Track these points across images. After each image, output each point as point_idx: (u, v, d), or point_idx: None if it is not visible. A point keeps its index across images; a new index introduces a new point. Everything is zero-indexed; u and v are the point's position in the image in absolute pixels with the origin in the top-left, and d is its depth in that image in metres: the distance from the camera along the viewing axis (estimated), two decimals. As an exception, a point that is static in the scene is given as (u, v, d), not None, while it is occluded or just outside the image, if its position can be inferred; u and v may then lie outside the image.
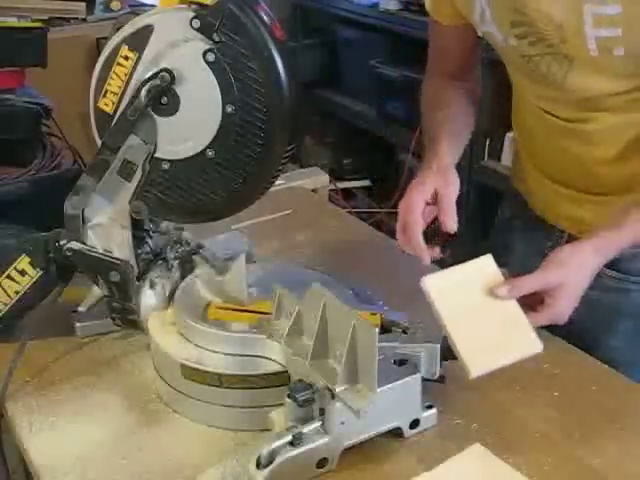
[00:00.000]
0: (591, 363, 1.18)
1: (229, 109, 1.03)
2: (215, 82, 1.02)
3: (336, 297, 0.97)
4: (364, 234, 1.61)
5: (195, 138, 1.05)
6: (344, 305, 0.96)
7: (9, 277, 1.17)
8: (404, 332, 1.05)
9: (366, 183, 3.57)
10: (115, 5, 2.28)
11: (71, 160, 1.54)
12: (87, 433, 1.05)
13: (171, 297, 1.15)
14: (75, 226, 1.13)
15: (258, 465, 0.91)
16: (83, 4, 1.61)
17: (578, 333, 1.28)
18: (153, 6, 1.09)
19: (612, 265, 1.21)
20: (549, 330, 1.24)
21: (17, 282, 1.18)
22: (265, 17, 1.03)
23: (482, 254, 1.05)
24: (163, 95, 1.04)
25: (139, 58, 1.04)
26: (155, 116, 1.05)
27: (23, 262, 1.17)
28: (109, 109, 1.07)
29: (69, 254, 1.13)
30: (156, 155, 1.07)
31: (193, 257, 1.21)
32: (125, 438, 1.04)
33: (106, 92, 1.07)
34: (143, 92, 1.03)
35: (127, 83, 1.05)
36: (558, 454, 0.99)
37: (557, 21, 1.11)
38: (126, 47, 1.04)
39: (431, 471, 0.96)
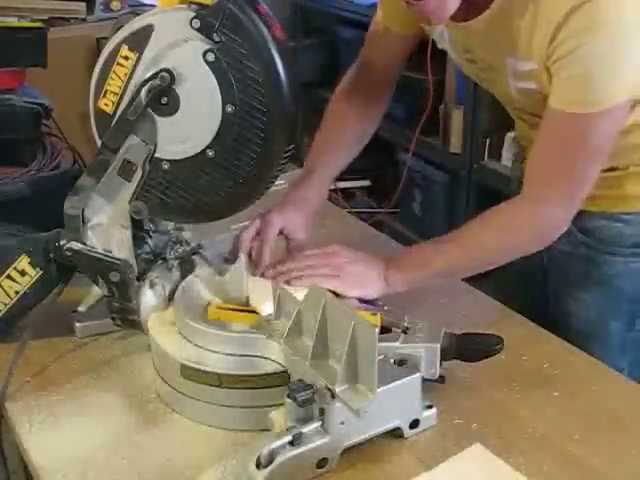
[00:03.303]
0: (591, 363, 1.17)
1: (229, 109, 1.03)
2: (215, 82, 1.02)
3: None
4: (364, 234, 1.61)
5: (195, 138, 1.05)
6: (344, 305, 0.96)
7: (9, 277, 1.17)
8: (404, 332, 1.05)
9: (366, 183, 3.57)
10: (115, 5, 2.27)
11: (71, 160, 1.54)
12: (87, 433, 1.05)
13: (171, 297, 1.15)
14: (75, 226, 1.12)
15: (258, 465, 0.91)
16: (83, 4, 1.61)
17: (554, 303, 1.39)
18: (153, 6, 1.09)
19: (585, 230, 1.31)
20: (546, 328, 1.24)
21: (17, 282, 1.18)
22: (265, 17, 1.03)
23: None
24: (163, 95, 1.04)
25: (139, 58, 1.04)
26: (155, 116, 1.05)
27: (23, 262, 1.17)
28: (109, 109, 1.07)
29: (69, 254, 1.13)
30: (156, 155, 1.07)
31: (193, 257, 1.21)
32: (125, 438, 1.04)
33: (106, 92, 1.07)
34: (143, 92, 1.03)
35: (127, 83, 1.05)
36: (558, 454, 0.99)
37: (489, 63, 1.21)
38: (126, 47, 1.04)
39: (431, 471, 0.96)
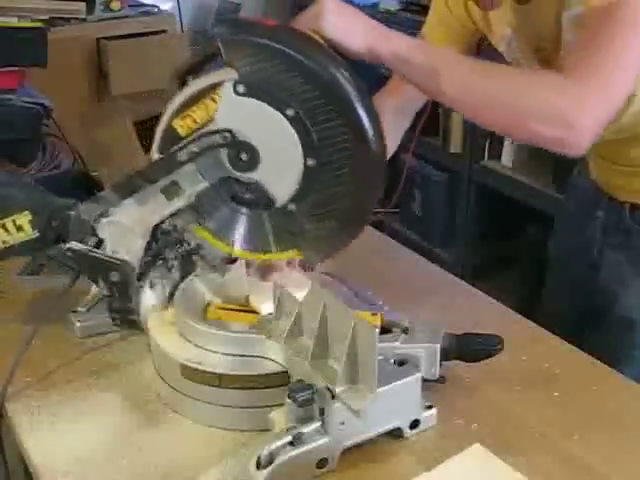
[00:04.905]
0: (591, 363, 1.17)
1: (290, 112, 0.97)
2: (260, 103, 0.97)
3: (336, 297, 0.97)
4: (364, 234, 1.60)
5: (289, 160, 1.00)
6: (344, 305, 0.96)
7: (4, 227, 1.14)
8: (404, 332, 1.05)
9: (366, 183, 3.57)
10: (115, 5, 2.28)
11: (71, 160, 1.55)
12: (87, 433, 1.05)
13: (171, 297, 1.15)
14: (81, 229, 1.11)
15: (258, 465, 0.91)
16: (83, 4, 1.61)
17: (601, 292, 1.40)
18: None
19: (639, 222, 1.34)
20: (545, 329, 1.24)
21: (10, 234, 1.14)
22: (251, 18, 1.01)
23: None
24: (242, 152, 1.01)
25: None
26: (232, 170, 1.02)
27: (24, 218, 1.14)
28: (181, 132, 1.02)
29: (70, 254, 1.13)
30: (278, 205, 1.04)
31: (193, 257, 1.21)
32: (125, 438, 1.04)
33: (186, 116, 1.02)
34: (202, 142, 1.01)
35: (209, 120, 1.01)
36: (558, 454, 0.99)
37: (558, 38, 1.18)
38: None
39: (431, 471, 0.96)
